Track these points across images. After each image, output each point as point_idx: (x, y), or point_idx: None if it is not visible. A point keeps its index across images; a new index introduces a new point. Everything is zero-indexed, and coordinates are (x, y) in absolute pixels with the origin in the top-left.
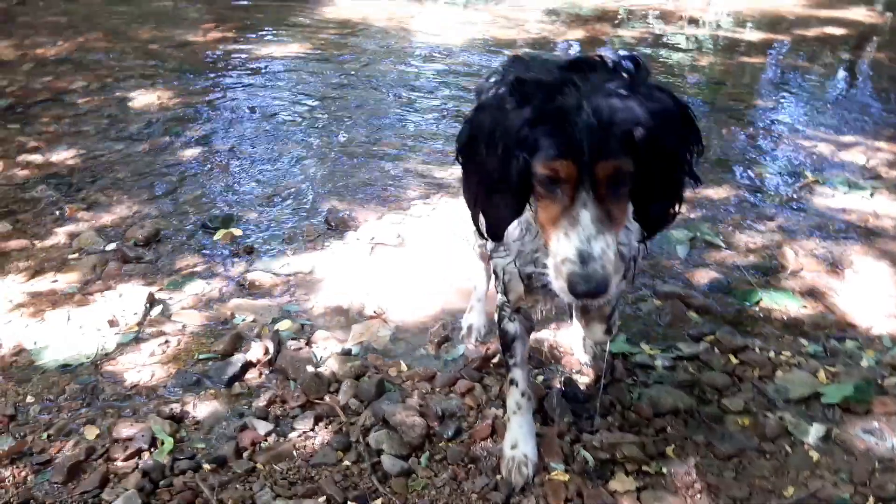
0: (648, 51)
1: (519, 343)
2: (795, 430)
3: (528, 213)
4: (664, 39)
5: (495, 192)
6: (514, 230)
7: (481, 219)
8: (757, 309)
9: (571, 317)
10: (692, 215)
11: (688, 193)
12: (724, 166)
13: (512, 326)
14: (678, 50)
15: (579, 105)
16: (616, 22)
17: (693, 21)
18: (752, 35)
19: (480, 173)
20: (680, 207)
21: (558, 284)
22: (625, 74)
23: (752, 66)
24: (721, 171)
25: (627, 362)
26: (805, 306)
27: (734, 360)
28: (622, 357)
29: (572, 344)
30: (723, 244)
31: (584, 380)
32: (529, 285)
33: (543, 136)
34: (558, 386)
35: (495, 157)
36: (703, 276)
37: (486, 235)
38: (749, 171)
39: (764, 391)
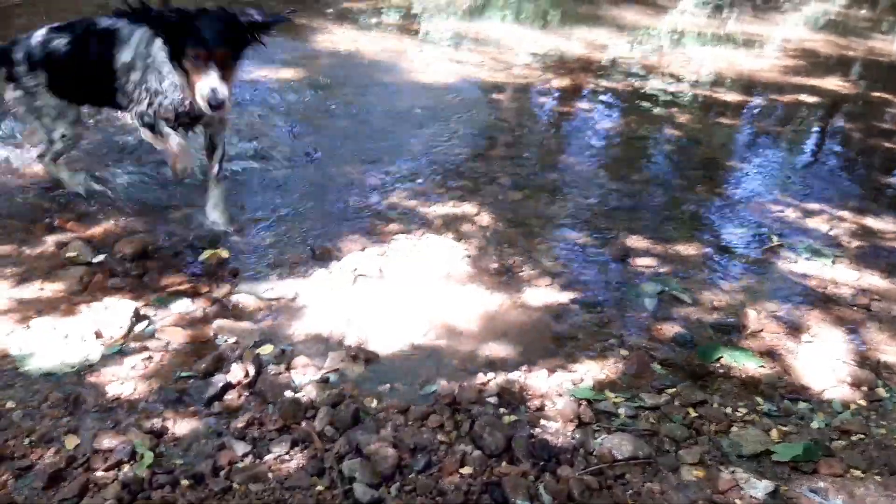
0: (629, 103)
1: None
2: (746, 484)
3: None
4: (645, 91)
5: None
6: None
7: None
8: (718, 365)
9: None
10: (662, 269)
11: (659, 248)
12: (695, 224)
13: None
14: (657, 104)
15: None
16: (599, 72)
17: (674, 76)
18: (729, 96)
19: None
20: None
21: (202, 104)
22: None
23: (727, 126)
24: (692, 228)
25: (592, 408)
26: (763, 366)
27: (693, 414)
28: (588, 403)
29: (205, 212)
30: (689, 300)
31: (552, 424)
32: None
33: (190, 36)
34: (527, 427)
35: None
36: (669, 330)
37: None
38: (719, 231)
39: (719, 445)
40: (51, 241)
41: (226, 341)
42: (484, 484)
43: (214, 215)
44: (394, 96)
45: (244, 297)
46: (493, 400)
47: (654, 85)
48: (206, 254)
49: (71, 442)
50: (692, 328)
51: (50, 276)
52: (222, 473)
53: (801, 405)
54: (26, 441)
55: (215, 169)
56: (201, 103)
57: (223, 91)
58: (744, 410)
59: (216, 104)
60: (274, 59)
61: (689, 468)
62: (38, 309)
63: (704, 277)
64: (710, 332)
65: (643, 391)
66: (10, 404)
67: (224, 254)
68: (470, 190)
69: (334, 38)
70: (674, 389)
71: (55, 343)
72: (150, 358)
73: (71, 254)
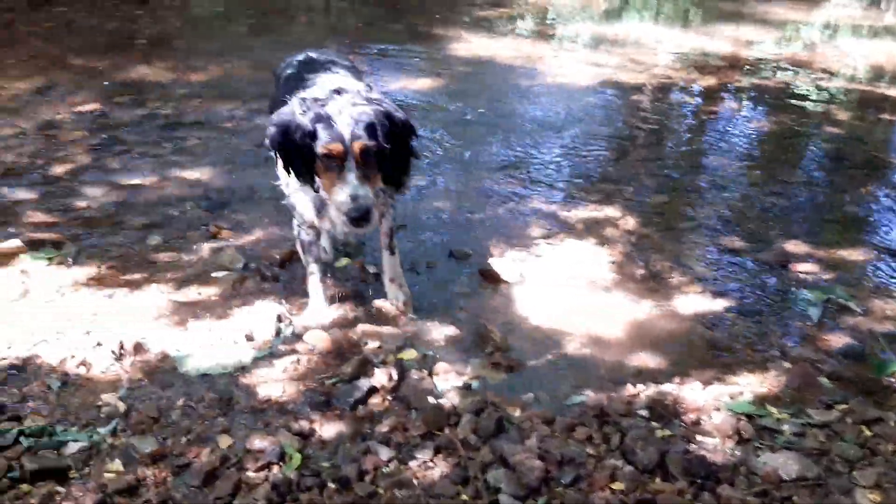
0: (780, 101)
1: (313, 246)
2: None
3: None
4: (797, 90)
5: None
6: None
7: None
8: (893, 380)
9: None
10: (826, 276)
11: (821, 253)
12: (861, 227)
13: (306, 237)
14: (811, 101)
15: (340, 111)
16: (747, 70)
17: (828, 72)
18: (892, 91)
19: (291, 154)
20: (408, 177)
21: (341, 220)
22: (360, 92)
23: (889, 123)
24: (858, 231)
25: (753, 424)
26: None
27: (867, 433)
28: (748, 418)
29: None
30: (858, 309)
31: (710, 440)
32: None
33: (321, 129)
34: (681, 442)
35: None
36: (837, 341)
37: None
38: (888, 235)
39: None
40: (206, 248)
41: (367, 345)
42: (637, 501)
43: (392, 290)
44: (531, 101)
45: (386, 303)
46: (643, 413)
47: (807, 81)
48: (343, 261)
49: (224, 442)
50: (863, 339)
51: (205, 281)
52: (367, 478)
53: None
54: (184, 440)
55: (385, 239)
56: (338, 220)
57: (367, 196)
58: None
59: (357, 215)
60: (411, 69)
61: (864, 491)
62: (194, 312)
63: (874, 285)
64: (883, 344)
65: (809, 407)
66: (170, 403)
67: (370, 269)
68: (612, 193)
69: (470, 45)
70: (845, 405)
71: (210, 345)
72: (297, 361)
73: (225, 260)
